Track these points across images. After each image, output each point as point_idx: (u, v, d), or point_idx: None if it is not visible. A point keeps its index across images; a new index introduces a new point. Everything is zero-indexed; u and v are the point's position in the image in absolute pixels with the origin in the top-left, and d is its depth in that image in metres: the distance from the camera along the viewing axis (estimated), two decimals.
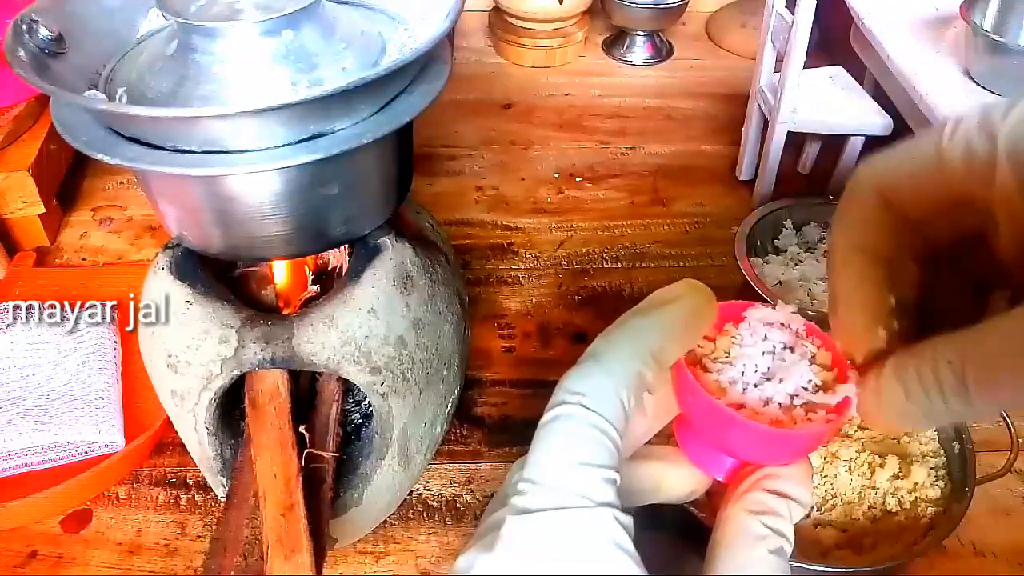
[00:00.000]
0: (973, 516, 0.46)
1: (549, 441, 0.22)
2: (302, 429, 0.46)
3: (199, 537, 0.55)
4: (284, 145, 0.39)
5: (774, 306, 0.24)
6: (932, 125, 0.65)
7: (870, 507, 0.48)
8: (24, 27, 0.40)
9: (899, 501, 0.48)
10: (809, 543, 0.46)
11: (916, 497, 0.48)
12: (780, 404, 0.22)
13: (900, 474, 0.49)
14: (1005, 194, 0.19)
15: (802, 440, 0.22)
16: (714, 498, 0.42)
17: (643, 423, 0.25)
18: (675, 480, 0.26)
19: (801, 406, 0.22)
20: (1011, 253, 0.21)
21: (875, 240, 0.22)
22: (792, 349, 0.23)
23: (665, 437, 0.27)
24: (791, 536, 0.22)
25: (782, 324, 0.24)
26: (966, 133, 0.20)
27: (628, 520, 0.21)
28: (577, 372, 0.23)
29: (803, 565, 0.43)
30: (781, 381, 0.22)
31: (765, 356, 0.23)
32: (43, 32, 0.41)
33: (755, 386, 0.22)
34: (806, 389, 0.22)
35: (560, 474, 0.21)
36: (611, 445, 0.22)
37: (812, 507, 0.48)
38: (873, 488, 0.48)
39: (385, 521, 0.55)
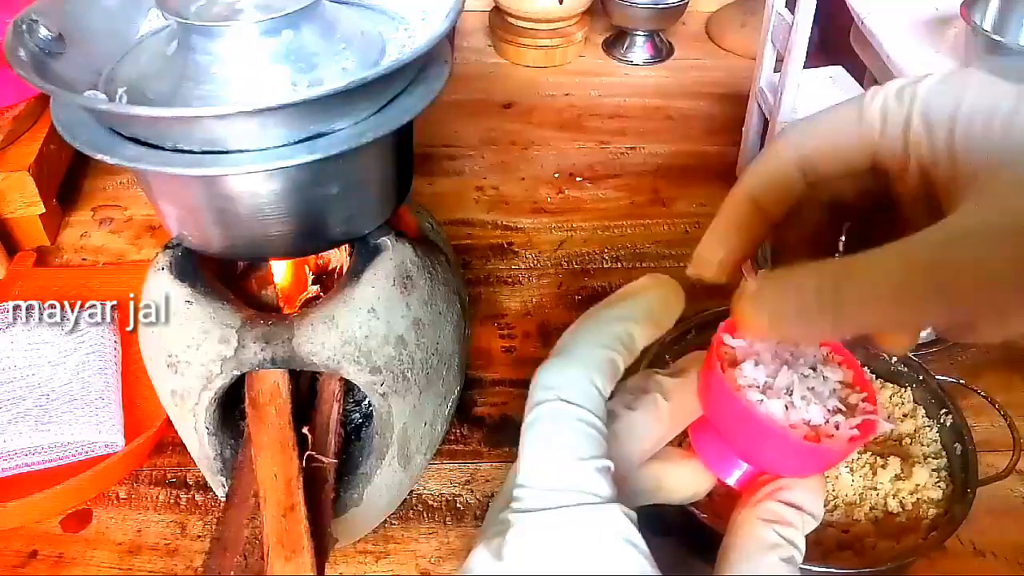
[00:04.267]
0: (973, 516, 0.46)
1: (535, 443, 0.22)
2: (304, 430, 0.46)
3: (199, 537, 0.55)
4: (284, 145, 0.39)
5: None
6: None
7: (871, 508, 0.48)
8: (24, 27, 0.40)
9: (900, 502, 0.48)
10: (810, 544, 0.46)
11: (918, 498, 0.48)
12: (805, 420, 0.22)
13: (902, 475, 0.48)
14: (917, 152, 0.22)
15: (828, 455, 0.22)
16: (716, 499, 0.42)
17: (659, 428, 0.25)
18: (677, 481, 0.26)
19: (826, 423, 0.22)
20: (918, 216, 0.23)
21: (769, 197, 0.24)
22: (815, 368, 0.23)
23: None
24: (802, 547, 0.23)
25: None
26: (885, 97, 0.22)
27: (634, 515, 0.21)
28: (548, 367, 0.23)
29: (804, 566, 0.43)
30: (803, 398, 0.22)
31: (788, 371, 0.23)
32: (43, 32, 0.41)
33: (780, 401, 0.22)
34: (830, 410, 0.22)
35: (553, 473, 0.21)
36: (596, 433, 0.22)
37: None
38: (874, 489, 0.48)
39: (385, 521, 0.55)
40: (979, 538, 0.53)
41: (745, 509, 0.23)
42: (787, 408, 0.22)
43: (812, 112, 0.24)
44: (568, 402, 0.22)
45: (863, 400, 0.23)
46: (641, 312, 0.24)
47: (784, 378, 0.23)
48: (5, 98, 0.73)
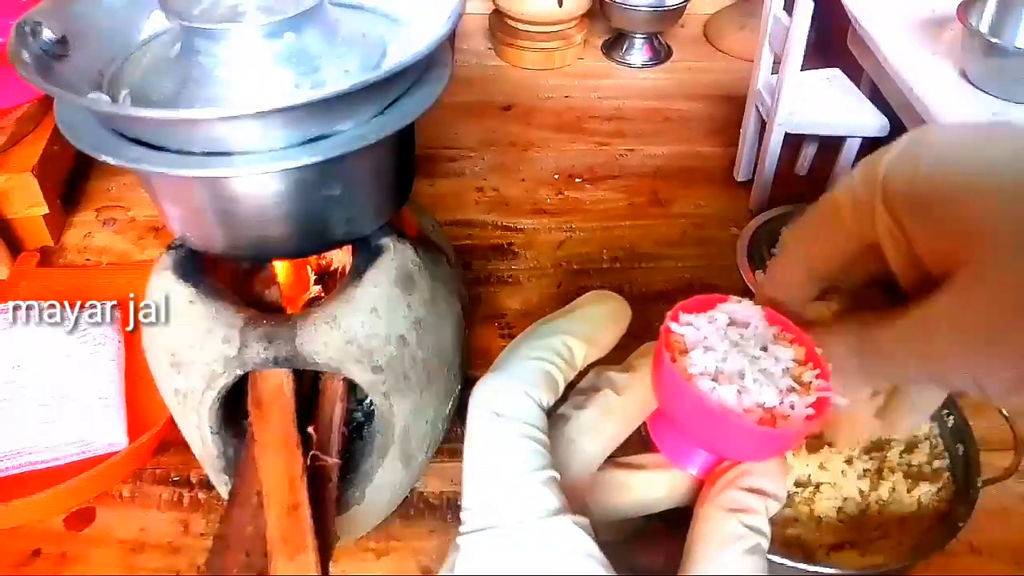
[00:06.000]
0: (971, 515, 0.47)
1: (475, 463, 0.22)
2: (309, 430, 0.46)
3: (202, 535, 0.55)
4: (286, 147, 0.39)
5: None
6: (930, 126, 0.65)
7: (874, 508, 0.48)
8: (28, 29, 0.41)
9: (904, 503, 0.48)
10: (813, 544, 0.46)
11: (921, 499, 0.48)
12: (759, 403, 0.22)
13: (905, 475, 0.49)
14: (885, 230, 0.22)
15: (785, 438, 0.22)
16: None
17: (612, 424, 0.24)
18: (646, 481, 0.25)
19: (780, 404, 0.22)
20: (909, 284, 0.23)
21: (794, 302, 0.25)
22: (766, 348, 0.23)
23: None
24: (768, 531, 0.22)
25: (757, 321, 0.24)
26: (850, 184, 0.23)
27: (586, 522, 0.21)
28: (481, 383, 0.23)
29: (805, 566, 0.43)
30: (755, 381, 0.22)
31: (738, 354, 0.23)
32: (47, 34, 0.41)
33: (733, 386, 0.22)
34: (783, 390, 0.22)
35: (495, 492, 0.21)
36: (536, 445, 0.21)
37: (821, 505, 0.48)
38: (877, 489, 0.48)
39: (387, 519, 0.55)
40: (977, 537, 0.54)
41: (706, 500, 0.23)
42: (740, 393, 0.22)
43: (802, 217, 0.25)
44: (504, 417, 0.22)
45: (816, 377, 0.22)
46: (580, 326, 0.24)
47: (735, 362, 0.22)
48: (9, 99, 0.73)
